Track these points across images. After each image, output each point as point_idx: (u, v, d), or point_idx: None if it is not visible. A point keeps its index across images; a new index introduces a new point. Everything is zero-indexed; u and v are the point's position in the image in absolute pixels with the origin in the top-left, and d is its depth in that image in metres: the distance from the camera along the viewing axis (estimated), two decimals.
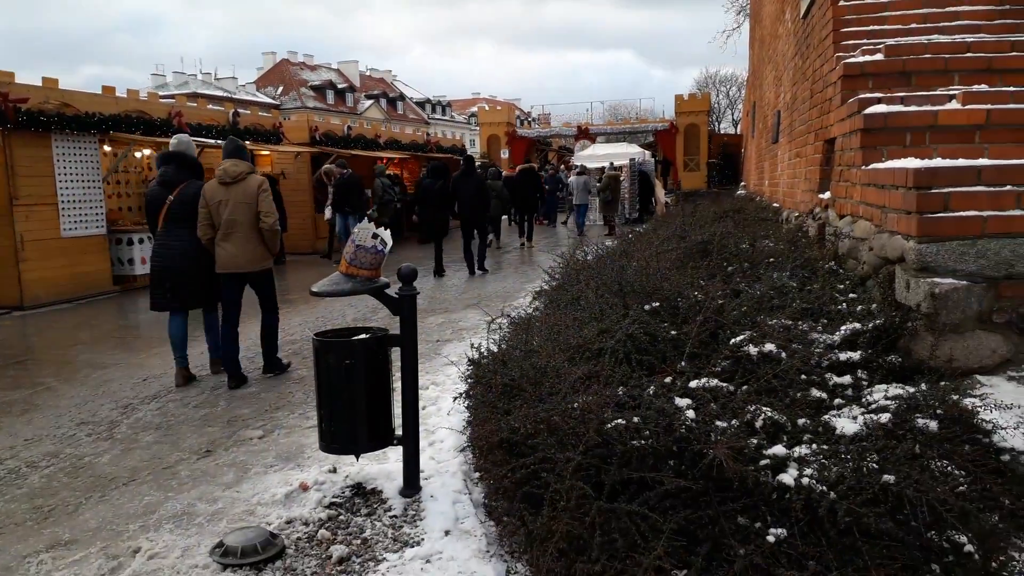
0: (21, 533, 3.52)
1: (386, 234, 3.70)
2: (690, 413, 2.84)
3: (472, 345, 4.26)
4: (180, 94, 19.43)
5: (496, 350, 4.15)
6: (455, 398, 4.25)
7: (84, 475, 4.20)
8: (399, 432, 3.74)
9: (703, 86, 53.25)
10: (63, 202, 10.82)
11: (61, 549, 3.34)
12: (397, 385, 3.74)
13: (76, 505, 3.80)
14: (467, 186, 12.28)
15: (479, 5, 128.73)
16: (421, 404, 4.72)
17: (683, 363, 3.37)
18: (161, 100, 13.79)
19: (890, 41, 5.26)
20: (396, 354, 3.69)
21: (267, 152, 15.47)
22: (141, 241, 12.05)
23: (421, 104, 77.99)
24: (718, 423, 2.77)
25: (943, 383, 2.98)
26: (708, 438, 2.66)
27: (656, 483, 2.58)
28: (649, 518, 2.50)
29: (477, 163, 16.80)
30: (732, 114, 56.84)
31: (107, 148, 12.21)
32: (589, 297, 4.44)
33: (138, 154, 13.45)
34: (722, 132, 47.50)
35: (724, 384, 3.12)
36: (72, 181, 11.00)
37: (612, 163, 21.50)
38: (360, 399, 3.62)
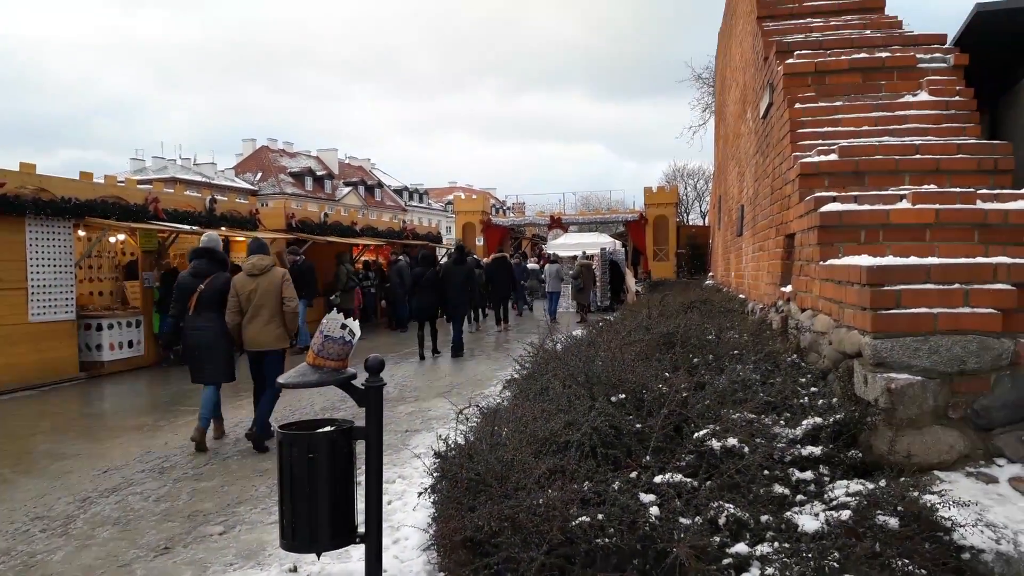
0: None
1: (354, 324, 3.73)
2: (654, 510, 2.85)
3: (439, 437, 4.24)
4: (158, 179, 19.66)
5: (463, 442, 4.13)
6: (420, 493, 4.19)
7: (35, 574, 4.05)
8: (362, 529, 3.68)
9: (671, 179, 54.84)
10: (33, 287, 10.74)
11: None
12: (362, 479, 3.69)
13: None
14: (457, 273, 12.94)
15: (455, 98, 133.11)
16: (387, 499, 4.65)
17: (648, 457, 3.39)
18: (139, 186, 13.92)
19: (843, 142, 5.53)
20: (362, 446, 3.66)
21: (242, 238, 15.55)
22: (111, 327, 11.94)
23: (399, 191, 79.24)
24: (682, 520, 2.78)
25: (903, 479, 3.02)
26: (672, 536, 2.67)
27: None
28: None
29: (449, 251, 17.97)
30: (700, 206, 58.35)
31: (81, 233, 12.22)
32: (556, 388, 4.47)
33: (112, 239, 13.48)
34: (690, 223, 48.66)
35: (688, 479, 3.14)
36: (44, 266, 10.96)
37: (584, 252, 21.88)
38: (323, 495, 3.56)
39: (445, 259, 18.29)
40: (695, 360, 4.96)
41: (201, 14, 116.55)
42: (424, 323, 12.95)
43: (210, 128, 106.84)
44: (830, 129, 5.99)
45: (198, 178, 54.76)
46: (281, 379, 3.76)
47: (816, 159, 5.46)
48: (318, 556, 3.75)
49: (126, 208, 12.34)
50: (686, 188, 57.02)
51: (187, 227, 13.54)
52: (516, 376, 6.51)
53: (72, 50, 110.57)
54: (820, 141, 5.84)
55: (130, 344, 12.32)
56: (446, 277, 12.92)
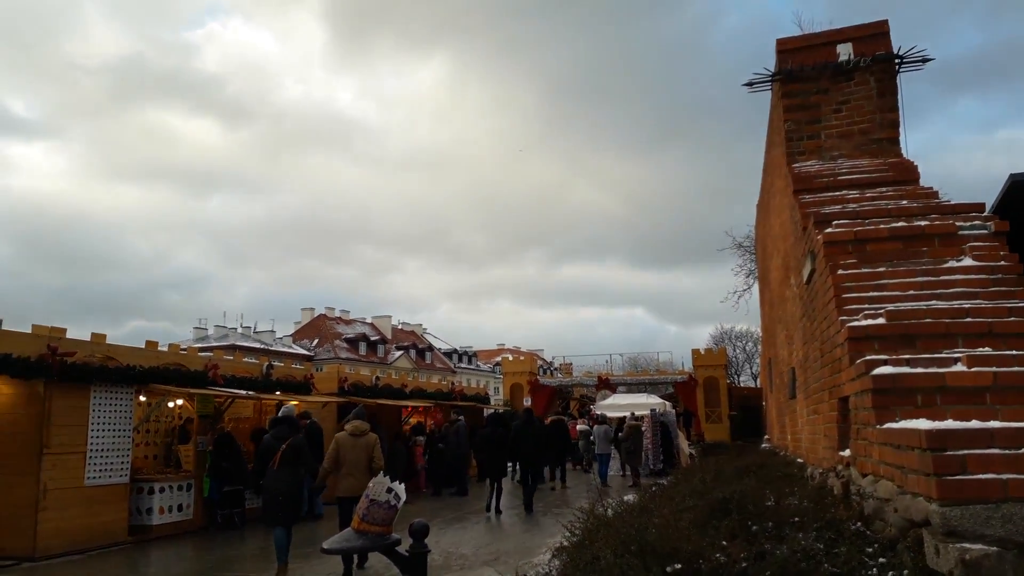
0: None
1: (399, 488, 3.76)
2: None
3: None
4: (219, 347, 20.44)
5: None
6: None
7: None
8: None
9: (719, 341, 54.54)
10: (91, 451, 10.97)
11: None
12: None
13: None
14: (528, 434, 14.04)
15: (499, 268, 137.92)
16: None
17: None
18: (200, 354, 14.46)
19: (890, 306, 5.56)
20: None
21: (296, 402, 15.84)
22: (162, 490, 12.02)
23: (448, 354, 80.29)
24: None
25: None
26: None
27: None
28: None
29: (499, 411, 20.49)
30: (750, 368, 57.54)
31: (142, 398, 12.61)
32: (608, 557, 4.34)
33: (170, 404, 13.85)
34: (742, 385, 47.83)
35: None
36: (103, 430, 11.24)
37: (633, 413, 21.56)
38: None
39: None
40: (753, 528, 4.79)
41: (267, 199, 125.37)
42: (494, 480, 13.77)
43: (271, 298, 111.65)
44: (875, 294, 6.03)
45: (257, 345, 56.47)
46: (325, 545, 3.76)
47: (864, 323, 5.47)
48: None
49: (186, 374, 12.76)
50: (735, 350, 56.53)
51: (243, 392, 13.88)
52: (566, 544, 6.32)
53: (149, 230, 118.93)
54: (866, 305, 5.87)
55: (180, 508, 12.32)
56: (517, 437, 13.94)
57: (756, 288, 25.20)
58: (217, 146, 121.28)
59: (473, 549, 9.92)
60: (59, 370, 10.39)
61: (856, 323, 5.51)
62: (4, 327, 10.24)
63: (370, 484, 3.82)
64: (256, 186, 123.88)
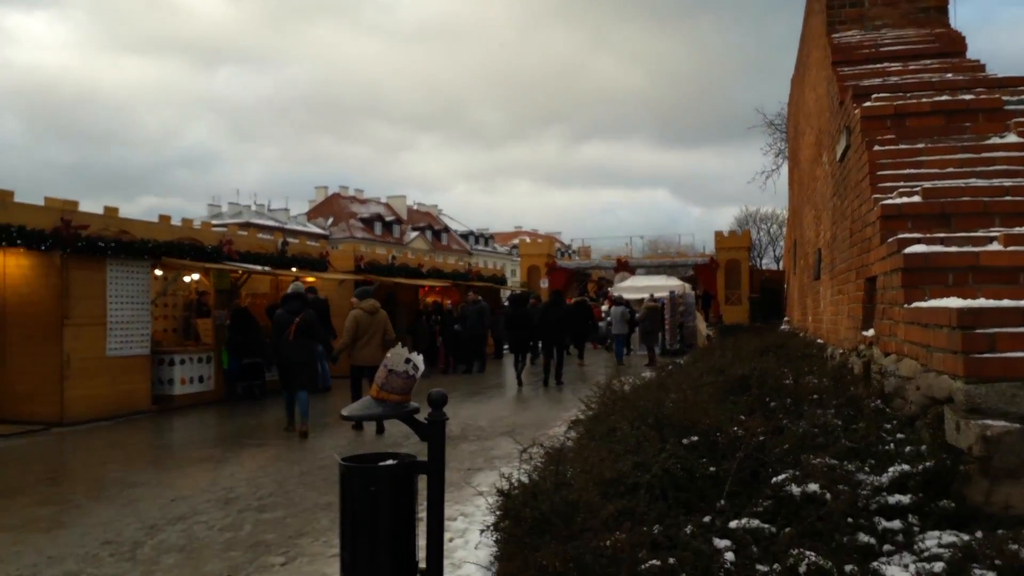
0: None
1: (418, 359, 3.71)
2: (729, 556, 2.69)
3: (502, 475, 4.15)
4: (233, 223, 20.33)
5: (527, 482, 4.02)
6: (482, 531, 4.09)
7: None
8: (423, 565, 3.59)
9: (743, 224, 53.94)
10: (111, 323, 11.14)
11: None
12: (423, 514, 3.62)
13: None
14: (555, 314, 15.08)
15: (519, 146, 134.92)
16: (448, 536, 4.56)
17: (722, 501, 3.23)
18: (214, 229, 14.42)
19: (927, 184, 5.32)
20: (424, 482, 3.60)
21: (312, 279, 15.92)
22: (183, 362, 12.28)
23: (465, 236, 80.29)
24: (759, 567, 2.62)
25: (1000, 531, 2.80)
26: None
27: None
28: None
29: (515, 293, 21.12)
30: (773, 251, 57.15)
31: (158, 272, 12.68)
32: (625, 429, 4.34)
33: (186, 279, 13.94)
34: (764, 267, 47.69)
35: (765, 526, 2.97)
36: (122, 303, 11.37)
37: (652, 294, 21.60)
38: (383, 529, 3.50)
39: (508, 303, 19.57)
40: (772, 404, 4.76)
41: (275, 72, 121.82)
42: (520, 355, 15.28)
43: (283, 176, 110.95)
44: (912, 171, 5.77)
45: (271, 223, 56.52)
46: (345, 411, 3.75)
47: (898, 201, 5.25)
48: None
49: (201, 249, 12.77)
50: (759, 233, 56.02)
51: (258, 267, 13.92)
52: (582, 417, 6.38)
53: (157, 105, 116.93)
54: (901, 183, 5.63)
55: (200, 379, 12.63)
56: (545, 317, 15.06)
57: (785, 168, 24.65)
58: (222, 15, 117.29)
59: (490, 421, 10.14)
60: (74, 243, 10.39)
61: (890, 201, 5.29)
62: (17, 200, 10.15)
63: (388, 354, 3.77)
64: (264, 59, 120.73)
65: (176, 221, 12.71)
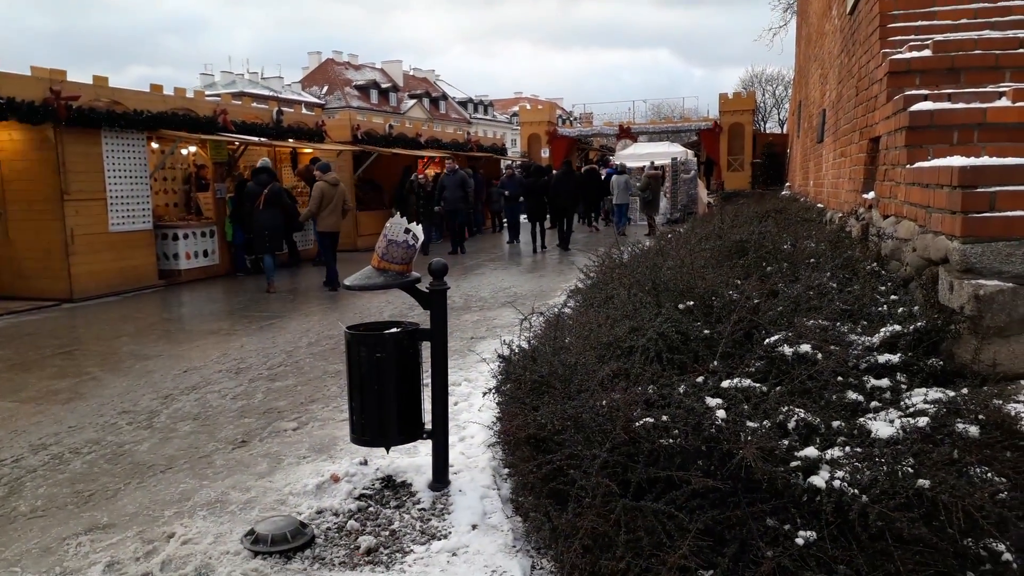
0: (62, 516, 3.61)
1: (417, 229, 3.72)
2: (720, 413, 2.79)
3: (504, 342, 4.25)
4: (226, 93, 19.78)
5: (527, 347, 4.13)
6: (485, 393, 4.24)
7: (123, 462, 4.30)
8: (429, 426, 3.76)
9: (748, 85, 52.47)
10: (111, 198, 11.10)
11: (99, 532, 3.42)
12: (428, 380, 3.75)
13: (115, 491, 3.89)
14: (567, 183, 16.23)
15: (514, 5, 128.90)
16: (453, 400, 4.73)
17: (715, 362, 3.32)
18: (207, 99, 14.07)
19: (938, 37, 5.12)
20: (427, 349, 3.71)
21: (310, 150, 15.69)
22: (186, 236, 12.32)
23: (464, 104, 78.30)
24: (749, 424, 2.72)
25: (986, 388, 2.88)
26: (738, 438, 2.61)
27: (683, 482, 2.54)
28: (675, 517, 2.47)
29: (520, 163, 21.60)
30: (778, 114, 55.95)
31: (154, 145, 12.50)
32: (622, 295, 4.40)
33: (183, 151, 13.75)
34: (767, 132, 46.78)
35: (757, 384, 3.06)
36: (120, 177, 11.28)
37: (652, 162, 21.32)
38: (390, 392, 3.64)
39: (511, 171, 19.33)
40: (768, 268, 4.80)
41: None
42: (538, 222, 16.27)
43: (274, 41, 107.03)
44: (924, 23, 5.53)
45: (266, 92, 54.99)
46: (347, 281, 3.81)
47: (907, 55, 5.07)
48: (387, 450, 3.86)
49: (196, 120, 12.51)
50: (764, 95, 54.65)
51: (255, 139, 13.70)
52: (581, 286, 6.46)
53: None
54: (912, 36, 5.41)
55: (205, 253, 12.72)
56: (558, 185, 16.10)
57: (794, 24, 23.67)
58: None
59: (492, 292, 10.29)
60: (65, 114, 10.17)
61: (899, 55, 5.10)
62: (2, 70, 9.84)
63: (387, 224, 3.78)
64: None
65: (169, 91, 12.39)
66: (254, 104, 16.08)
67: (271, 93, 54.64)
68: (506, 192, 18.08)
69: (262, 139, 13.90)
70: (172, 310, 9.98)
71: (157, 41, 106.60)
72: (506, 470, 3.72)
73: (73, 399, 5.64)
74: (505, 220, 19.06)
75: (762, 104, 53.20)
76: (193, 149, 13.88)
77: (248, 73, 61.57)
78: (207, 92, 16.07)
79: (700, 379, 3.16)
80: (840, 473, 2.41)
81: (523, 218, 17.34)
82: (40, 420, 5.14)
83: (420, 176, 17.25)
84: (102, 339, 7.97)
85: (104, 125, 10.85)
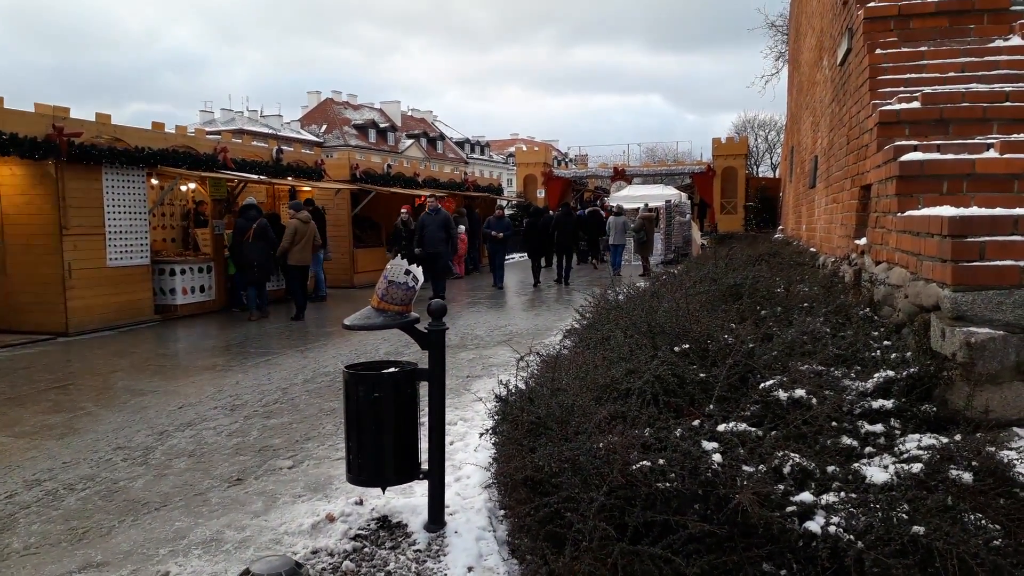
0: (56, 554, 3.59)
1: (417, 271, 3.77)
2: (717, 457, 2.82)
3: (500, 382, 4.28)
4: (227, 130, 20.02)
5: (524, 388, 4.16)
6: (482, 434, 4.26)
7: (118, 499, 4.28)
8: (425, 467, 3.76)
9: (741, 129, 53.22)
10: (110, 233, 11.16)
11: (93, 571, 3.40)
12: (425, 419, 3.77)
13: (109, 528, 3.88)
14: (566, 223, 17.62)
15: (508, 49, 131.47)
16: (449, 439, 4.74)
17: (711, 406, 3.35)
18: (208, 136, 14.23)
19: (927, 89, 5.26)
20: (425, 389, 3.73)
21: (308, 188, 15.82)
22: (183, 272, 12.36)
23: (460, 144, 79.12)
24: (745, 468, 2.75)
25: (979, 434, 2.92)
26: (734, 483, 2.64)
27: (680, 526, 2.56)
28: (672, 562, 2.48)
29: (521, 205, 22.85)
30: (771, 158, 56.64)
31: (154, 181, 12.60)
32: (618, 337, 4.44)
33: (183, 187, 13.85)
34: (760, 176, 47.32)
35: (752, 429, 3.10)
36: (120, 212, 11.35)
37: (647, 204, 21.53)
38: (388, 432, 3.66)
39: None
40: (763, 312, 4.86)
41: None
42: (536, 261, 17.33)
43: (273, 81, 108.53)
44: (913, 76, 5.68)
45: (265, 130, 55.55)
46: (347, 321, 3.84)
47: (897, 107, 5.20)
48: (383, 490, 3.86)
49: (196, 157, 12.64)
50: (756, 139, 55.40)
51: (255, 176, 13.83)
52: (577, 326, 6.51)
53: (138, 5, 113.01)
54: (902, 88, 5.56)
55: (202, 289, 12.74)
56: (558, 225, 17.31)
57: (786, 72, 24.12)
58: None
59: (487, 330, 10.32)
60: (67, 151, 10.27)
61: (889, 107, 5.24)
62: (6, 106, 9.96)
63: (388, 266, 3.83)
64: None
65: (169, 128, 12.53)
66: (254, 142, 16.25)
67: (270, 131, 55.18)
68: (492, 232, 17.36)
69: (262, 176, 14.03)
70: (168, 345, 9.98)
71: (156, 78, 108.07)
72: (502, 512, 3.72)
73: (68, 434, 5.62)
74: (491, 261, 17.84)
75: (755, 148, 53.90)
76: (193, 186, 13.99)
77: (248, 111, 62.30)
78: (207, 129, 16.32)
79: (696, 423, 3.20)
80: (835, 519, 2.44)
81: (516, 257, 17.79)
82: (34, 455, 5.12)
83: (405, 213, 17.01)
84: (97, 374, 7.96)
85: (105, 161, 10.96)
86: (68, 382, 7.56)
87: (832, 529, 2.39)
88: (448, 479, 3.93)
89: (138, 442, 5.38)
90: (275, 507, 4.09)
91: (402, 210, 17.15)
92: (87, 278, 10.70)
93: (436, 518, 3.69)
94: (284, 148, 15.79)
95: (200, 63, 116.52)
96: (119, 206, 11.35)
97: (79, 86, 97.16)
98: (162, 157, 11.91)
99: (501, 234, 17.26)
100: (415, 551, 3.48)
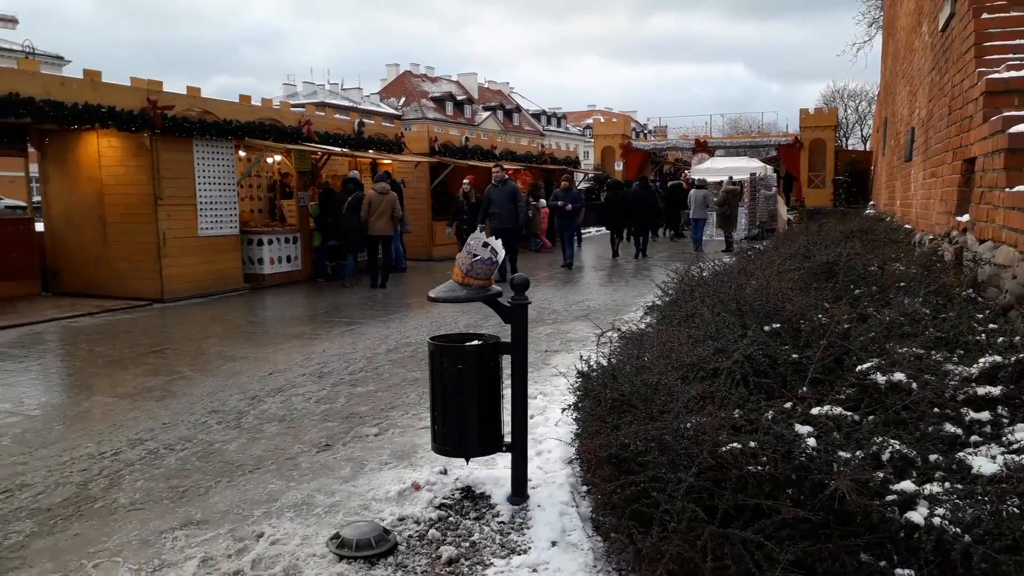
0: (159, 510, 3.79)
1: (496, 243, 3.77)
2: (811, 441, 2.74)
3: (581, 357, 4.27)
4: (309, 103, 20.42)
5: (606, 364, 4.13)
6: (563, 409, 4.26)
7: (214, 460, 4.48)
8: (508, 439, 3.79)
9: (830, 100, 51.16)
10: (201, 203, 11.58)
11: (193, 528, 3.57)
12: (506, 393, 3.79)
13: (207, 488, 4.06)
14: (645, 197, 17.60)
15: (584, 18, 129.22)
16: (529, 413, 4.75)
17: (804, 388, 3.26)
18: (292, 109, 14.54)
19: None
20: (506, 362, 3.75)
21: (388, 161, 16.03)
22: (270, 242, 12.75)
23: (537, 116, 78.67)
24: (841, 453, 2.66)
25: None
26: (830, 468, 2.56)
27: (773, 511, 2.51)
28: (764, 547, 2.43)
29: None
30: (861, 130, 54.37)
31: (241, 153, 12.98)
32: (705, 315, 4.36)
33: (269, 159, 14.23)
34: (850, 148, 45.47)
35: (849, 413, 2.99)
36: (209, 183, 11.76)
37: (731, 177, 20.98)
38: (471, 404, 3.70)
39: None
40: (857, 292, 4.68)
41: None
42: (615, 233, 17.73)
43: (349, 53, 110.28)
44: (1022, 42, 5.33)
45: (345, 103, 56.44)
46: (432, 293, 3.89)
47: (1005, 75, 4.89)
48: (467, 461, 3.92)
49: (282, 130, 12.96)
50: (846, 110, 53.24)
51: (338, 149, 14.09)
52: (658, 302, 6.42)
53: None
54: (1010, 56, 5.21)
55: (288, 259, 13.13)
56: (636, 200, 17.29)
57: (879, 39, 23.01)
58: None
59: (564, 305, 10.30)
60: (161, 123, 10.68)
61: (996, 75, 4.93)
62: (104, 80, 10.40)
63: (470, 240, 3.85)
64: None
65: (255, 101, 12.87)
66: (336, 115, 16.53)
67: (351, 104, 56.05)
68: (559, 203, 15.44)
69: (344, 149, 14.29)
70: (257, 313, 10.34)
71: (239, 51, 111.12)
72: (585, 488, 3.73)
73: (166, 396, 5.90)
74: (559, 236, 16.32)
75: (844, 120, 51.82)
76: (278, 158, 14.36)
77: (328, 84, 63.38)
78: (290, 102, 16.61)
79: (788, 405, 3.11)
80: (940, 510, 2.34)
81: (592, 231, 17.45)
82: (136, 416, 5.40)
83: (467, 184, 15.56)
84: (191, 339, 8.31)
85: (196, 133, 11.35)
86: (165, 346, 7.93)
87: (936, 521, 2.29)
88: (529, 453, 3.95)
89: (231, 406, 5.61)
90: (362, 473, 4.20)
91: (464, 181, 15.79)
92: (180, 247, 11.16)
93: (519, 491, 3.73)
94: (366, 121, 16.03)
95: (281, 36, 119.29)
96: (209, 177, 11.76)
97: (166, 60, 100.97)
98: (249, 130, 12.26)
99: (569, 205, 15.24)
100: (499, 523, 3.52)
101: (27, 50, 28.28)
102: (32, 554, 3.36)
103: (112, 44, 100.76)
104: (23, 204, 15.98)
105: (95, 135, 11.00)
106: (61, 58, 39.47)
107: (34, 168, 12.22)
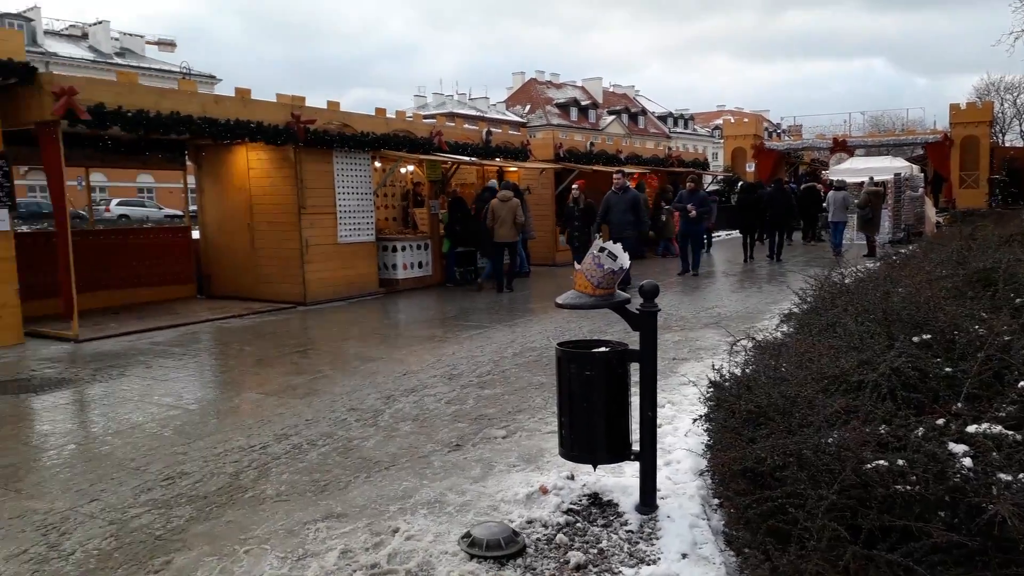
0: (302, 502, 4.01)
1: (617, 248, 3.74)
2: (967, 461, 2.57)
3: (713, 366, 4.17)
4: (439, 114, 21.12)
5: (739, 374, 4.02)
6: (695, 420, 4.18)
7: (353, 456, 4.70)
8: (636, 447, 3.76)
9: (984, 94, 47.45)
10: (340, 212, 12.18)
11: (334, 520, 3.76)
12: (634, 400, 3.76)
13: (346, 483, 4.26)
14: (780, 199, 17.21)
15: (711, 17, 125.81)
16: (657, 422, 4.69)
17: (959, 404, 3.04)
18: (424, 120, 15.03)
19: None
20: (634, 369, 3.72)
21: (514, 168, 16.25)
22: (404, 249, 13.24)
23: (663, 118, 77.55)
24: (1001, 476, 2.48)
25: None
26: (988, 491, 2.39)
27: (923, 534, 2.36)
28: (913, 571, 2.30)
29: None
30: (1020, 125, 50.14)
31: (377, 164, 13.54)
32: (848, 324, 4.15)
33: (403, 170, 14.77)
34: (1007, 145, 41.98)
35: (1010, 432, 2.77)
36: (348, 193, 12.35)
37: (872, 178, 19.87)
38: (599, 410, 3.69)
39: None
40: (1018, 301, 4.33)
41: None
42: (749, 236, 17.27)
43: (477, 63, 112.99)
44: None
45: (473, 112, 57.79)
46: (560, 300, 3.90)
47: None
48: (594, 467, 3.91)
49: (414, 141, 13.43)
50: (1002, 104, 49.27)
51: (466, 158, 14.44)
52: (796, 310, 6.18)
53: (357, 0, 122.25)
54: None
55: (420, 265, 13.58)
56: (772, 201, 16.99)
57: None
58: None
59: (693, 312, 10.08)
60: (304, 136, 11.31)
61: None
62: (253, 97, 11.13)
63: (593, 247, 3.84)
64: None
65: (390, 114, 13.39)
66: (465, 125, 16.94)
67: (478, 113, 57.33)
68: (684, 206, 14.42)
69: (472, 158, 14.62)
70: (391, 316, 10.76)
71: (374, 65, 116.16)
72: (716, 501, 3.64)
73: (308, 394, 6.24)
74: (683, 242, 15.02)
75: (1000, 115, 47.95)
76: (411, 168, 14.88)
77: (457, 94, 65.20)
78: (422, 113, 17.18)
79: (941, 421, 2.92)
80: None
81: (722, 235, 16.94)
82: (282, 412, 5.74)
83: (576, 190, 14.45)
84: (331, 340, 8.75)
85: (336, 146, 11.94)
86: (307, 347, 8.38)
87: None
88: (658, 463, 3.89)
89: (368, 405, 5.86)
90: (491, 474, 4.28)
91: (573, 187, 14.84)
92: (321, 253, 11.78)
93: (648, 501, 3.68)
94: (493, 130, 16.33)
95: (412, 50, 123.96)
96: (348, 187, 12.34)
97: (305, 75, 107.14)
98: (384, 141, 12.78)
99: (694, 211, 14.16)
100: (627, 531, 3.50)
101: (184, 71, 30.71)
102: (191, 537, 3.65)
103: (258, 62, 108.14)
104: (181, 213, 17.39)
105: (244, 148, 11.80)
106: (213, 77, 42.60)
107: (191, 180, 13.24)
